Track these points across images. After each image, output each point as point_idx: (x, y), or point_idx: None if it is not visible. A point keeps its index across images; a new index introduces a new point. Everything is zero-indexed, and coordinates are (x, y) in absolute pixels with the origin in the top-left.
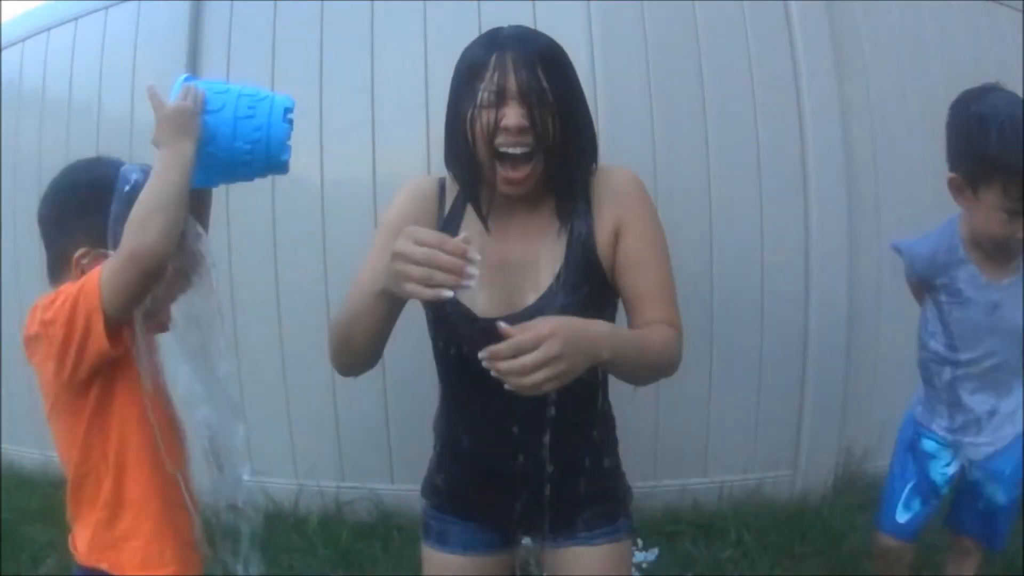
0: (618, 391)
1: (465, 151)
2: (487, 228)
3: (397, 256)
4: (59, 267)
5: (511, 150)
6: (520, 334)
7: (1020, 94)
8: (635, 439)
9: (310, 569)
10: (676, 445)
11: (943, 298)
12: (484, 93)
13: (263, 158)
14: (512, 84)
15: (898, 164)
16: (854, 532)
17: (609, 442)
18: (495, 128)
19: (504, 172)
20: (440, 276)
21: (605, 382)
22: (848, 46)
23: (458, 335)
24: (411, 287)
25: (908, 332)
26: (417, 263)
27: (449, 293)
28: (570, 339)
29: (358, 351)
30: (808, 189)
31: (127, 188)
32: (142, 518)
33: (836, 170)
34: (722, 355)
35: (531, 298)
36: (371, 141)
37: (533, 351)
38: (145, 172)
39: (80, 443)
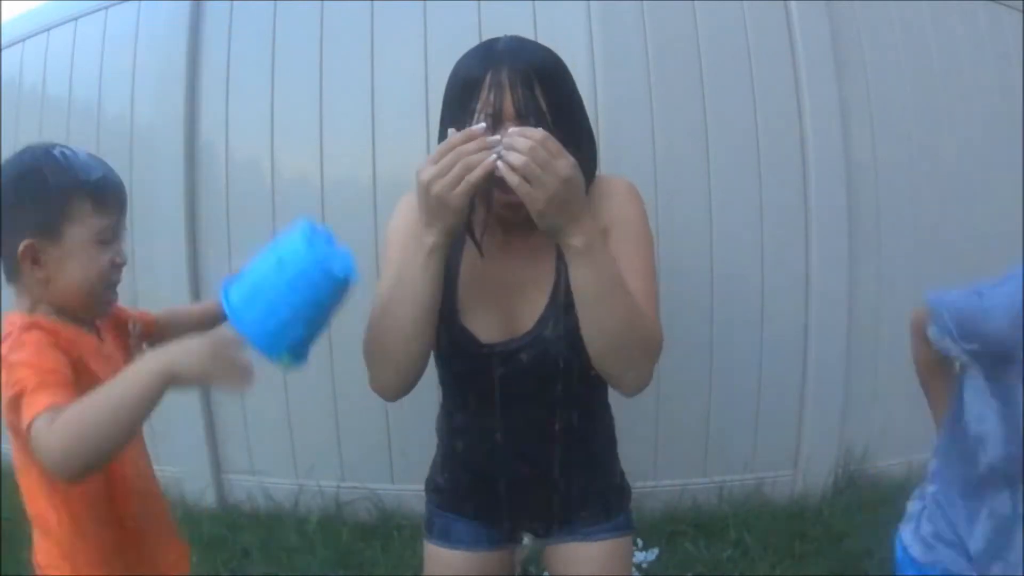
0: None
1: None
2: (480, 252)
3: (430, 182)
4: (11, 265)
5: None
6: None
7: (1020, 94)
8: (635, 439)
9: (310, 569)
10: (676, 445)
11: None
12: (479, 114)
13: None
14: (508, 105)
15: (898, 165)
16: (854, 532)
17: (608, 442)
18: None
19: (501, 196)
20: (474, 159)
21: (604, 383)
22: (848, 46)
23: (461, 357)
24: (461, 188)
25: (908, 332)
26: (448, 169)
27: (494, 157)
28: (575, 186)
29: (411, 341)
30: (808, 189)
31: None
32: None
33: (836, 171)
34: (722, 355)
35: (529, 323)
36: (371, 141)
37: (549, 150)
38: (54, 150)
39: (34, 487)
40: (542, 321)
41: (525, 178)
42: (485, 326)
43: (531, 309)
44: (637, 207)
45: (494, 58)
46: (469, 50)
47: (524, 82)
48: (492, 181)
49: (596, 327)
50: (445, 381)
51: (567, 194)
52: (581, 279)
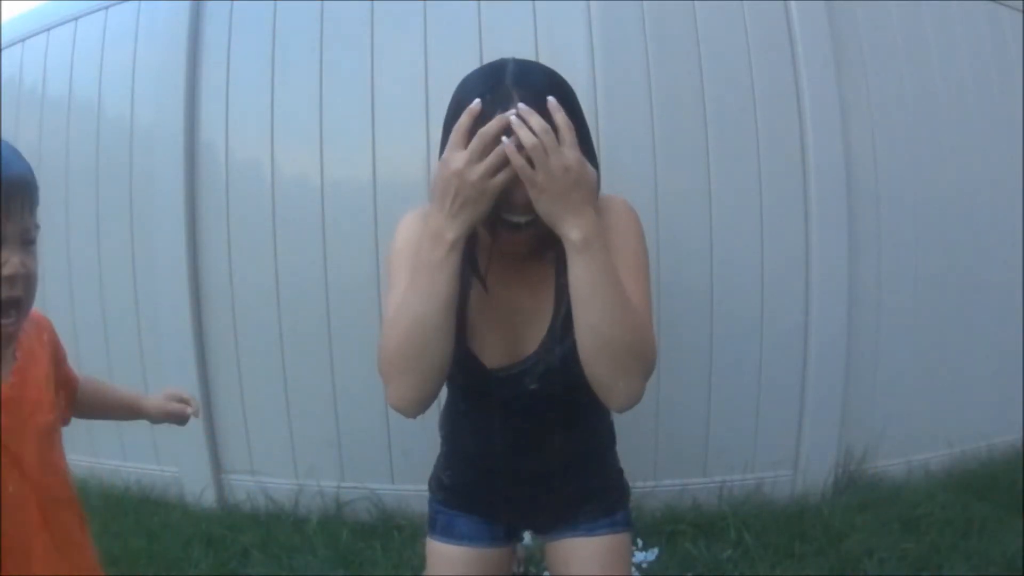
0: None
1: None
2: (485, 288)
3: (466, 168)
4: None
5: (514, 219)
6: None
7: (1020, 94)
8: (635, 439)
9: (310, 569)
10: (676, 445)
11: None
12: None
13: None
14: None
15: (898, 164)
16: (854, 532)
17: (608, 440)
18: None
19: (505, 234)
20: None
21: None
22: (848, 46)
23: (466, 377)
24: (500, 177)
25: (908, 333)
26: (479, 156)
27: (505, 139)
28: (578, 178)
29: (432, 342)
30: (808, 189)
31: None
32: None
33: (836, 170)
34: (722, 355)
35: (532, 348)
36: (371, 141)
37: (566, 140)
38: None
39: None
40: (544, 345)
41: (529, 160)
42: (489, 351)
43: (533, 335)
44: (633, 224)
45: (502, 83)
46: (474, 72)
47: (534, 106)
48: (500, 223)
49: (589, 324)
50: (450, 385)
51: (569, 183)
52: (577, 274)
